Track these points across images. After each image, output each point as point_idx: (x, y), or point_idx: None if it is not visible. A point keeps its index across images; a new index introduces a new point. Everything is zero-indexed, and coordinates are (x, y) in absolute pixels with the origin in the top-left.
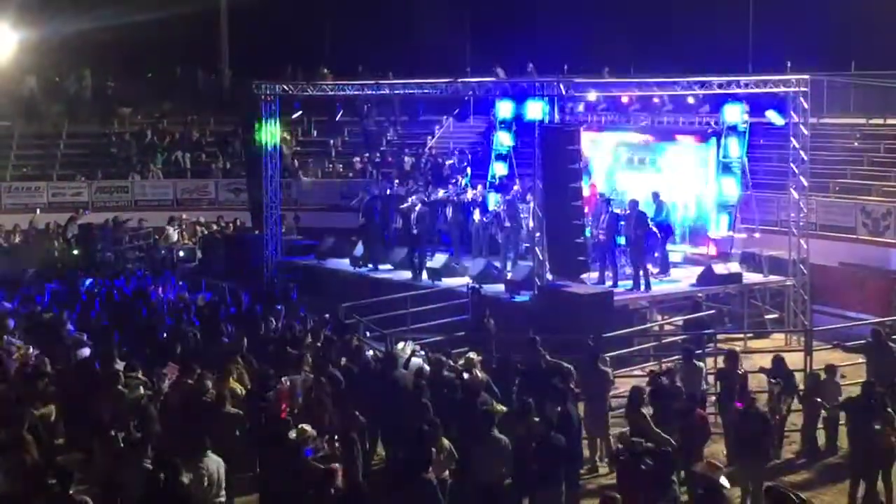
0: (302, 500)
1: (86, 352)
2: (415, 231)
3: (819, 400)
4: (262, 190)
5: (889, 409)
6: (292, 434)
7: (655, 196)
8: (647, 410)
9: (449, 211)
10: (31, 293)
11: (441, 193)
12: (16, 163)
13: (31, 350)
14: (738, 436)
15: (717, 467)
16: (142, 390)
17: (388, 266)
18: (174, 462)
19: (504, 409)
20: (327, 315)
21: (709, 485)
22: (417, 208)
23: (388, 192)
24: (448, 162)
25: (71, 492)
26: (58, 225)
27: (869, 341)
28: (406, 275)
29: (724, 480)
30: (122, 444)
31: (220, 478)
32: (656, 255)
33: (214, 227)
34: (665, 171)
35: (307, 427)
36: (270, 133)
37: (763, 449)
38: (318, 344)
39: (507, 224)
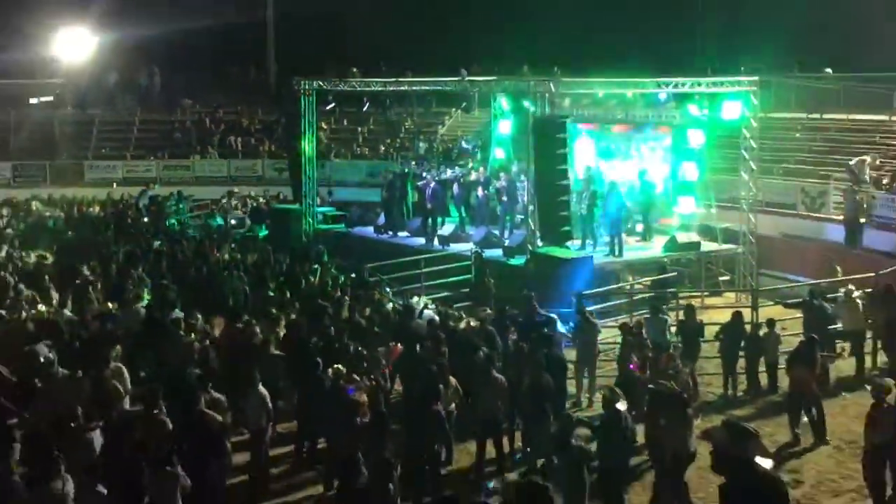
0: (335, 426)
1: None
2: (429, 205)
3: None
4: (301, 168)
5: (818, 356)
6: (329, 372)
7: (642, 175)
8: None
9: (456, 188)
10: (109, 253)
11: (450, 173)
12: (97, 144)
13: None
14: None
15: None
16: (192, 336)
17: (405, 233)
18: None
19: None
20: (353, 274)
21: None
22: (431, 185)
23: (406, 171)
24: (463, 145)
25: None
26: (131, 196)
27: (805, 299)
28: (420, 241)
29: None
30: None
31: (268, 407)
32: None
33: (262, 199)
34: (637, 157)
35: (340, 367)
36: (308, 122)
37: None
38: (346, 297)
39: (505, 199)
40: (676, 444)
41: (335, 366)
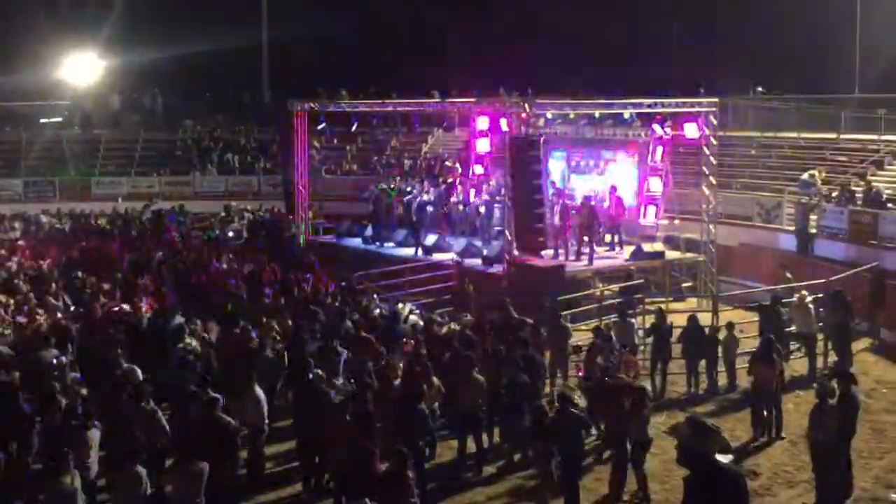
0: (323, 424)
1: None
2: (414, 218)
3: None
4: (294, 184)
5: (774, 357)
6: (310, 375)
7: (613, 190)
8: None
9: (435, 201)
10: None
11: (433, 190)
12: (103, 162)
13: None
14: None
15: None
16: (193, 342)
17: (391, 244)
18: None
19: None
20: (343, 282)
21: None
22: (417, 200)
23: (392, 187)
24: (446, 162)
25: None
26: (135, 210)
27: (764, 304)
28: (404, 251)
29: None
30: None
31: (263, 406)
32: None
33: (260, 213)
34: (606, 173)
35: (320, 371)
36: (300, 140)
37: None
38: (336, 303)
39: (483, 212)
40: (635, 432)
41: (316, 371)
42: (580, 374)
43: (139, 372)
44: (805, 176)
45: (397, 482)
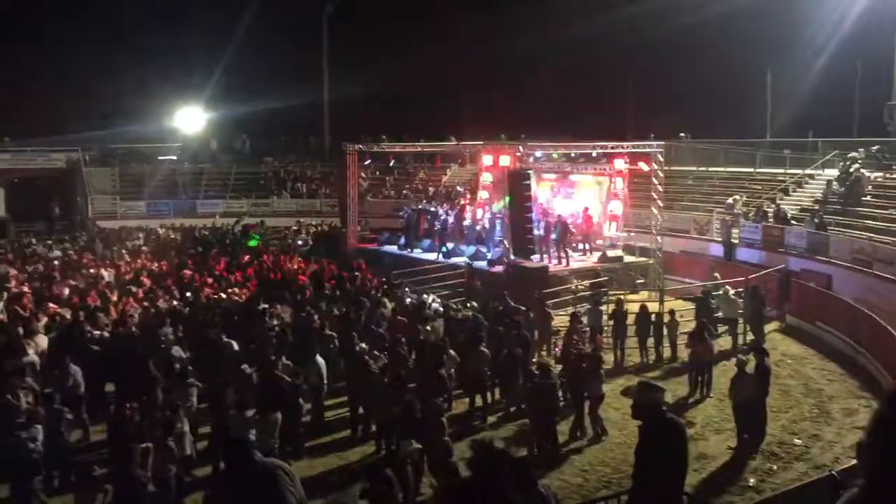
0: (367, 387)
1: None
2: (436, 228)
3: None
4: (347, 205)
5: (706, 336)
6: (357, 348)
7: (585, 210)
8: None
9: (452, 218)
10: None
11: (450, 210)
12: (205, 188)
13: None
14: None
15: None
16: (275, 321)
17: (419, 250)
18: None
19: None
20: (383, 279)
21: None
22: (441, 217)
23: (420, 207)
24: (459, 189)
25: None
26: (229, 224)
27: (698, 296)
28: (428, 255)
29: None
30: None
31: (323, 371)
32: (579, 245)
33: (320, 227)
34: (578, 197)
35: (363, 344)
36: (351, 173)
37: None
38: (378, 294)
39: (488, 226)
40: (593, 388)
41: (361, 345)
42: (557, 350)
43: (235, 344)
44: (730, 200)
45: (435, 425)
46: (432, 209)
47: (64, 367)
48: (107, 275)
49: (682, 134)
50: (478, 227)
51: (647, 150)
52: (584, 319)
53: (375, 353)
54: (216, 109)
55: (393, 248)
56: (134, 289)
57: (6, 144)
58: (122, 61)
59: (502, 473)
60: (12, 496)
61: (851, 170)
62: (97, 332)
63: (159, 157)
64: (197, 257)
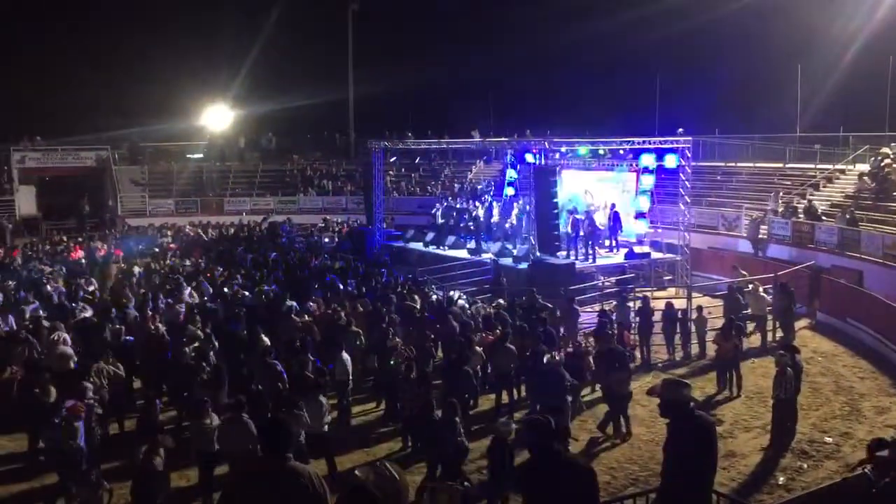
0: (392, 381)
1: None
2: (471, 226)
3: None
4: (372, 202)
5: (735, 333)
6: (389, 344)
7: (612, 206)
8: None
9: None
10: (240, 261)
11: (477, 205)
12: (232, 186)
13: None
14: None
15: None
16: (305, 316)
17: (445, 247)
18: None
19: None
20: (410, 275)
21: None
22: (470, 213)
23: (454, 204)
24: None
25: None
26: (256, 222)
27: (725, 293)
28: (455, 252)
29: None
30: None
31: (348, 366)
32: (606, 241)
33: (348, 223)
34: (605, 194)
35: (397, 339)
36: (377, 169)
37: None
38: (405, 291)
39: (514, 223)
40: (622, 386)
41: (396, 339)
42: (588, 345)
43: (266, 339)
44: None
45: (447, 424)
46: (459, 206)
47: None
48: (137, 271)
49: (680, 130)
50: (506, 225)
51: (675, 145)
52: (613, 316)
53: (403, 348)
54: (243, 107)
55: (419, 245)
56: (166, 286)
57: (37, 144)
58: (152, 59)
59: (555, 438)
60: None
61: (883, 164)
62: (124, 328)
63: (187, 155)
64: (225, 255)
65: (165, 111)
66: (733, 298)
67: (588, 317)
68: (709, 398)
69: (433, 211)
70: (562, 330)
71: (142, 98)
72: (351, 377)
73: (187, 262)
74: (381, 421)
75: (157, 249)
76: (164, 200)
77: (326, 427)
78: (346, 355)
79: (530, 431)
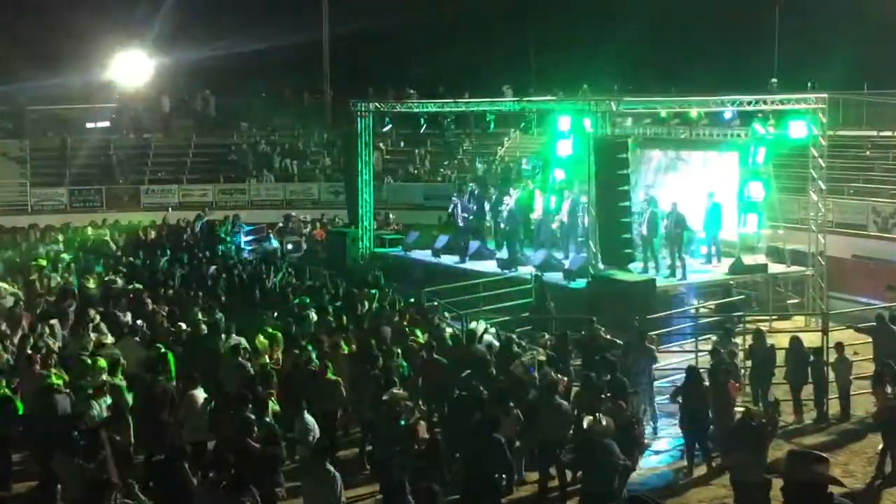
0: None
1: None
2: (503, 226)
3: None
4: (358, 191)
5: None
6: (385, 397)
7: (710, 196)
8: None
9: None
10: (165, 277)
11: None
12: (153, 169)
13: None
14: None
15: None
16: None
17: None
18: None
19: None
20: (412, 299)
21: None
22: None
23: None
24: (523, 166)
25: None
26: (187, 222)
27: (874, 325)
28: (479, 265)
29: None
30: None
31: (315, 434)
32: (702, 248)
33: (319, 223)
34: (699, 178)
35: (397, 391)
36: (364, 143)
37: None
38: (405, 323)
39: (566, 220)
40: (747, 472)
41: (391, 390)
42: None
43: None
44: None
45: None
46: (491, 196)
47: None
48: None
49: (774, 81)
50: (553, 225)
51: (803, 106)
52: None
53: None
54: (167, 54)
55: (426, 254)
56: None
57: None
58: None
59: None
60: None
61: None
62: None
63: (87, 125)
64: (143, 269)
65: (55, 60)
66: (888, 332)
67: (673, 360)
68: (855, 478)
69: (450, 208)
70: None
71: (20, 42)
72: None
73: (90, 283)
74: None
75: (42, 262)
76: (53, 190)
77: None
78: (308, 419)
79: None
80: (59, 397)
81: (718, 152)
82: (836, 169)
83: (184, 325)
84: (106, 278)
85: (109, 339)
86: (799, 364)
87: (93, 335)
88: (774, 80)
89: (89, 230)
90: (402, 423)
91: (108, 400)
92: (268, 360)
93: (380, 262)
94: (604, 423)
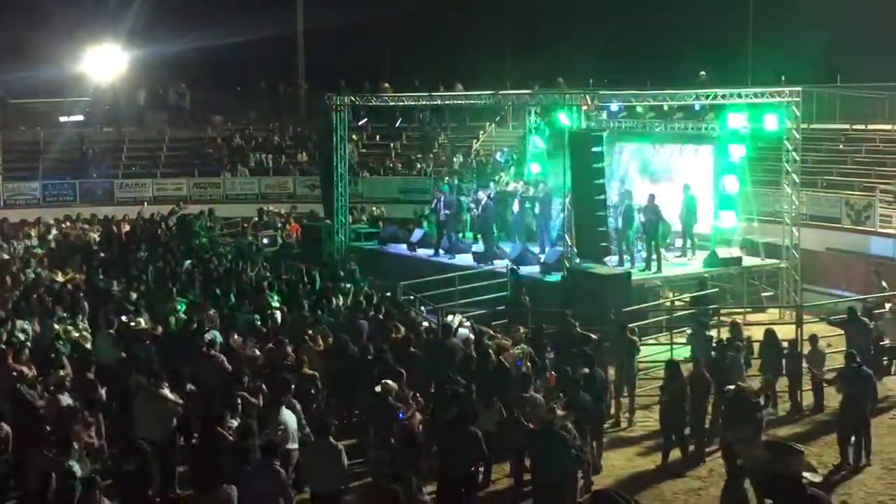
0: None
1: None
2: (478, 218)
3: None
4: (333, 185)
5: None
6: (378, 388)
7: (686, 189)
8: None
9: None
10: (138, 272)
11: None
12: (126, 163)
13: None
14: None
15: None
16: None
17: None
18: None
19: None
20: (388, 293)
21: None
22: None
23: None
24: (497, 158)
25: None
26: (161, 216)
27: (846, 318)
28: (455, 258)
29: None
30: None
31: (292, 429)
32: (677, 241)
33: (294, 217)
34: (674, 171)
35: (389, 381)
36: (340, 137)
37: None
38: (381, 316)
39: (538, 213)
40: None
41: (384, 381)
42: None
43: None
44: None
45: None
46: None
47: None
48: None
49: (702, 73)
50: (526, 216)
51: (779, 99)
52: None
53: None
54: (142, 47)
55: (401, 248)
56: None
57: None
58: None
59: None
60: None
61: None
62: None
63: (60, 118)
64: (117, 264)
65: (28, 54)
66: (860, 325)
67: (650, 351)
68: (831, 471)
69: (433, 203)
70: (612, 372)
71: None
72: (295, 441)
73: (59, 277)
74: None
75: (14, 257)
76: (25, 184)
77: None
78: (286, 413)
79: None
80: (30, 391)
81: (694, 145)
82: (810, 162)
83: (158, 320)
84: (79, 274)
85: (85, 334)
86: (774, 356)
87: (58, 327)
88: (703, 73)
89: (63, 225)
90: (401, 415)
91: (77, 395)
92: (244, 354)
93: (355, 255)
94: (559, 412)
